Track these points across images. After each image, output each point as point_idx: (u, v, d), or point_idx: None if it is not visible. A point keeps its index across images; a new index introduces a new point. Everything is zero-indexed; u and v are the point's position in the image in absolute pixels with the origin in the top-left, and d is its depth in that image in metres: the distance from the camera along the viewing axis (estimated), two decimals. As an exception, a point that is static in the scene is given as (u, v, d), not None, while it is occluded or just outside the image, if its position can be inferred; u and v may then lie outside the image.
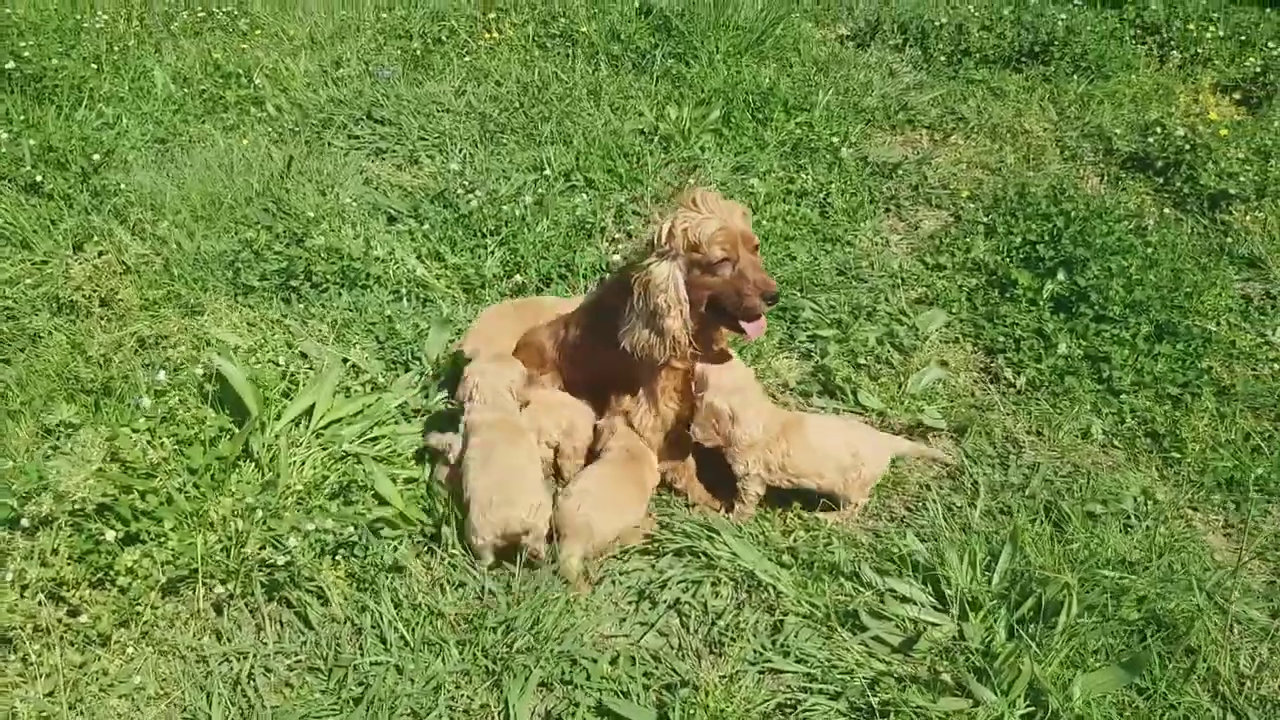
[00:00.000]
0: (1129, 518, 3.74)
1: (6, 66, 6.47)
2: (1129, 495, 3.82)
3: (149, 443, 3.60)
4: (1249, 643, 3.25)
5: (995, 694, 3.02)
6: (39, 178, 5.51)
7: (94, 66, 7.04)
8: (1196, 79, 7.21)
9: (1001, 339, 4.71)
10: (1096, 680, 3.04)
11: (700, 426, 3.74)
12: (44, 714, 3.10)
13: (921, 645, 3.22)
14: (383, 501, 3.76)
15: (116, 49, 7.38)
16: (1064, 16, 7.74)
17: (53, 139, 5.82)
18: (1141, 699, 3.02)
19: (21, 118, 6.12)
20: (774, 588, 3.43)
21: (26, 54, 6.66)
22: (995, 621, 3.26)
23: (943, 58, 7.65)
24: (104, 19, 7.79)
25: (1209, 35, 7.51)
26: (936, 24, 7.88)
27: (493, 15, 7.82)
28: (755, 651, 3.26)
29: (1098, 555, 3.45)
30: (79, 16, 7.75)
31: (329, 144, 6.50)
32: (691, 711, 2.99)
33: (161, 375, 3.95)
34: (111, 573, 3.38)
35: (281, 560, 3.32)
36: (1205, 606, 3.27)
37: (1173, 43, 7.59)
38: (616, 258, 5.20)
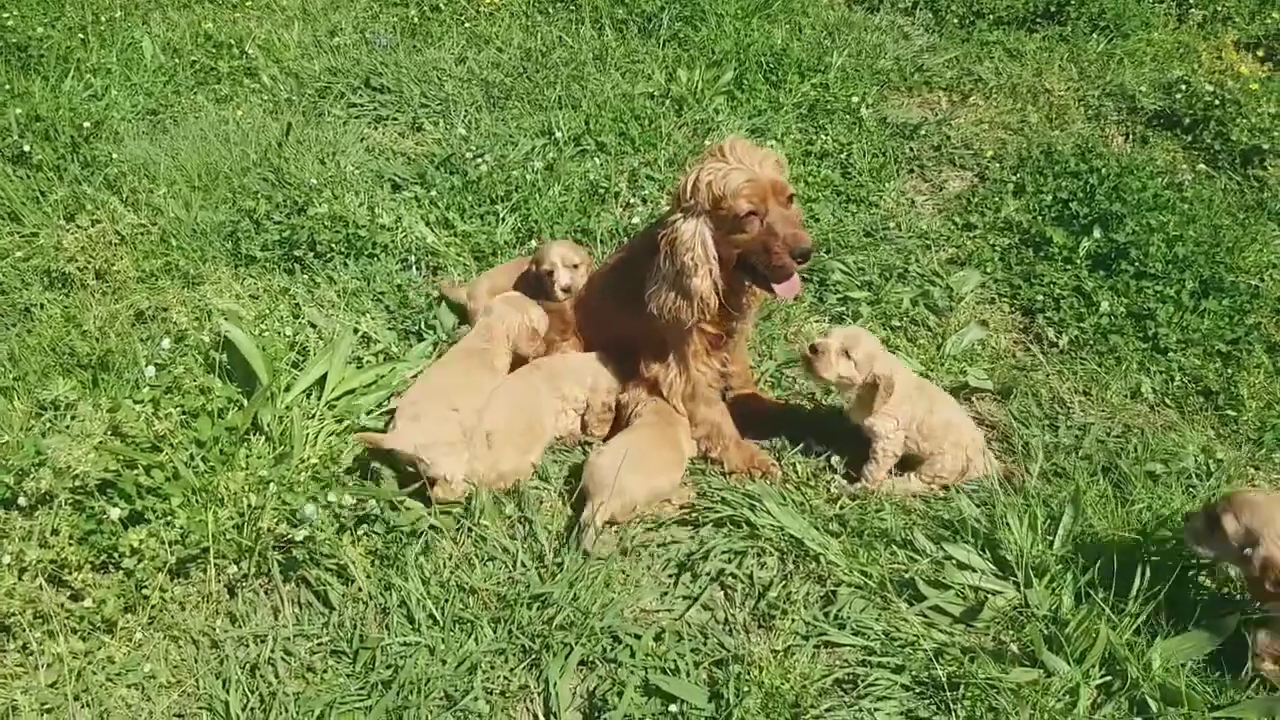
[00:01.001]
0: (1191, 477, 3.55)
1: (-11, 37, 6.21)
2: (1189, 454, 3.63)
3: (153, 414, 3.37)
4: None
5: (1068, 663, 2.83)
6: (26, 147, 5.25)
7: (80, 37, 6.75)
8: (1218, 36, 6.99)
9: (1040, 298, 4.51)
10: (1175, 646, 2.85)
11: (877, 399, 3.44)
12: (47, 705, 2.90)
13: (985, 614, 3.03)
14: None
15: (103, 20, 7.09)
16: (1079, -27, 7.52)
17: (40, 109, 5.56)
18: (1225, 668, 2.84)
19: (7, 87, 5.85)
20: (823, 557, 3.23)
21: (10, 23, 6.38)
22: (1061, 587, 3.06)
23: (955, 20, 7.40)
24: (88, -12, 7.51)
25: (1228, -9, 7.32)
26: (948, -15, 7.65)
27: (492, -20, 7.56)
28: (807, 624, 3.06)
29: (1164, 516, 3.26)
30: (62, -14, 7.46)
31: (327, 113, 6.25)
32: (746, 687, 2.79)
33: (166, 343, 3.72)
34: (116, 554, 3.16)
35: (300, 535, 3.10)
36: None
37: (1191, 1, 7.37)
38: (636, 220, 4.98)
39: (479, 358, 3.77)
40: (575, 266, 4.07)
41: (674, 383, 3.72)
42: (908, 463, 3.64)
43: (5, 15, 6.56)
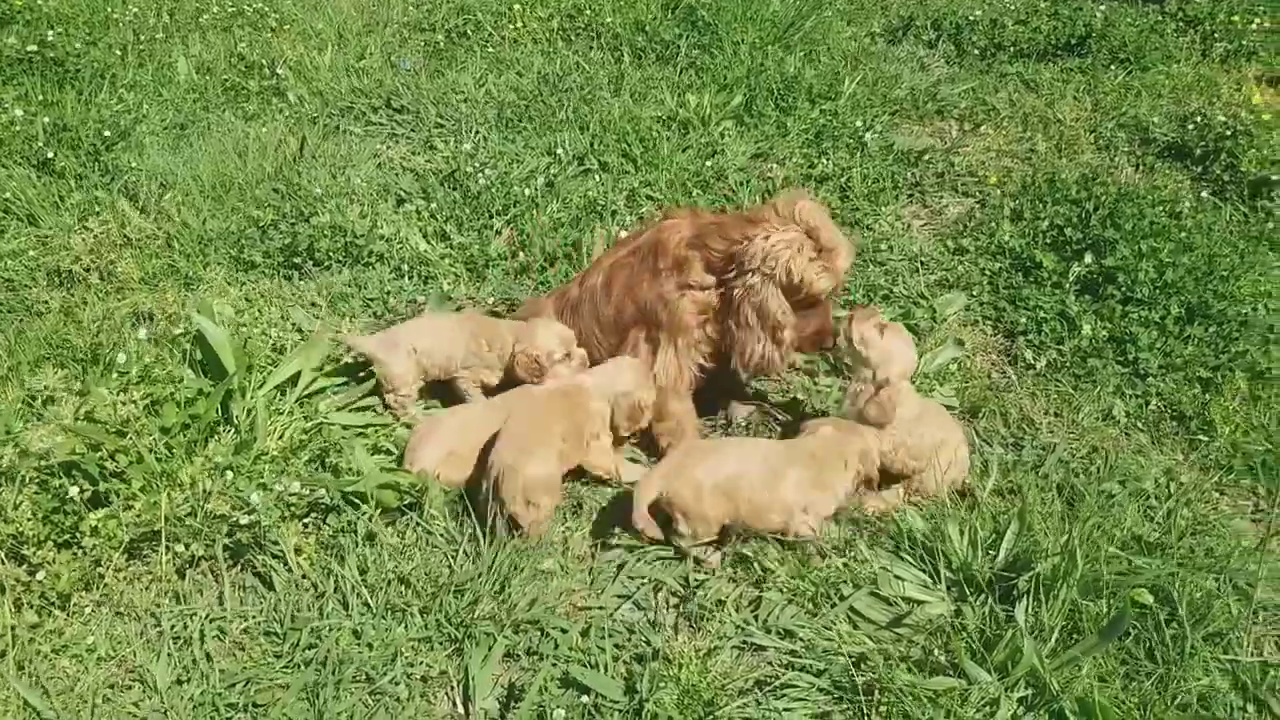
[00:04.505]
0: (1149, 499, 3.49)
1: (29, 50, 6.49)
2: (1150, 476, 3.57)
3: (121, 400, 3.50)
4: (1275, 629, 3.00)
5: (990, 674, 2.79)
6: (51, 154, 5.49)
7: (118, 54, 7.05)
8: (1240, 70, 6.90)
9: (1023, 321, 4.47)
10: (1074, 654, 2.80)
11: (878, 407, 3.45)
12: (-10, 674, 2.99)
13: (916, 624, 3.01)
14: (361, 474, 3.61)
15: (143, 40, 7.40)
16: (1102, 9, 7.49)
17: (68, 119, 5.81)
18: (1151, 683, 2.78)
19: (40, 98, 6.13)
20: (759, 563, 3.23)
21: (50, 38, 6.68)
22: (993, 601, 3.03)
23: (976, 52, 7.41)
24: (134, 12, 7.83)
25: (1254, 27, 7.21)
26: (970, 19, 7.66)
27: (517, 7, 7.73)
28: (736, 627, 3.06)
29: (1111, 535, 3.21)
30: (109, 9, 7.80)
31: (346, 130, 6.44)
32: (661, 684, 2.80)
33: (143, 333, 3.86)
34: (77, 533, 3.27)
35: (244, 520, 3.18)
36: (1226, 590, 3.02)
37: (1216, 35, 7.28)
38: (623, 235, 5.05)
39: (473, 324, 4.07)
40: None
41: (662, 373, 3.76)
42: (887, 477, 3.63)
43: (49, 32, 6.86)
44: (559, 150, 5.84)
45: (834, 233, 3.40)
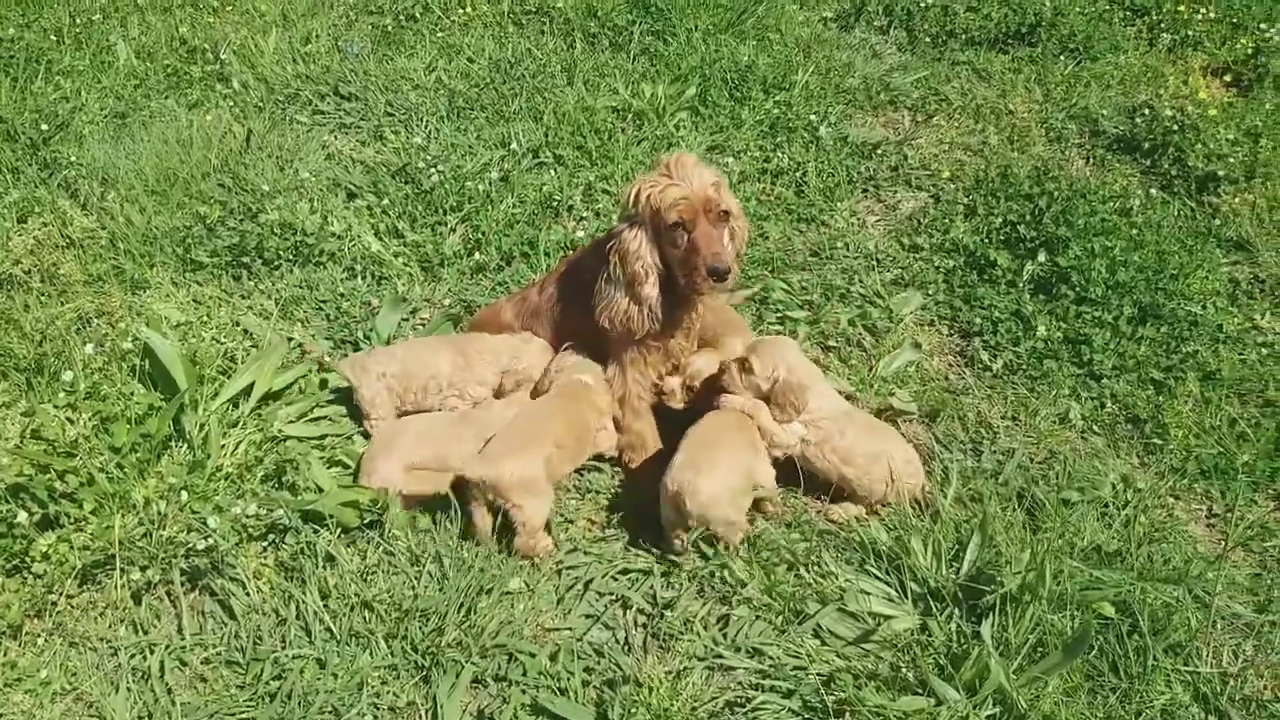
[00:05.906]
0: (1106, 506, 3.55)
1: (-43, 38, 6.26)
2: (1107, 482, 3.63)
3: (69, 419, 3.39)
4: (1232, 638, 3.07)
5: (958, 692, 2.83)
6: (-16, 149, 5.31)
7: (54, 39, 6.81)
8: (1186, 61, 6.99)
9: (979, 321, 4.51)
10: (1040, 671, 2.85)
11: (780, 407, 3.52)
12: (-57, 709, 2.91)
13: (883, 640, 3.03)
14: (320, 489, 3.54)
15: (80, 22, 7.14)
16: (1052, -3, 7.54)
17: (2, 109, 5.60)
18: (1115, 697, 2.83)
19: (-29, 90, 5.91)
20: (727, 579, 3.24)
21: (-19, 25, 6.45)
22: (959, 616, 3.06)
23: (928, 39, 7.41)
24: (69, -8, 7.56)
25: (1199, 17, 7.29)
26: (923, 5, 7.66)
27: (467, -10, 7.59)
28: (705, 646, 3.06)
29: (1072, 545, 3.26)
30: (43, -11, 7.52)
31: (293, 120, 6.28)
32: (633, 710, 2.79)
33: (89, 349, 3.74)
34: (27, 559, 3.18)
35: (202, 544, 3.11)
36: (1186, 600, 3.09)
37: (1163, 25, 7.36)
38: (581, 234, 5.00)
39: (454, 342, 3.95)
40: None
41: (617, 387, 3.74)
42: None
43: (-20, 18, 6.61)
44: (513, 143, 5.75)
45: (692, 160, 3.37)
